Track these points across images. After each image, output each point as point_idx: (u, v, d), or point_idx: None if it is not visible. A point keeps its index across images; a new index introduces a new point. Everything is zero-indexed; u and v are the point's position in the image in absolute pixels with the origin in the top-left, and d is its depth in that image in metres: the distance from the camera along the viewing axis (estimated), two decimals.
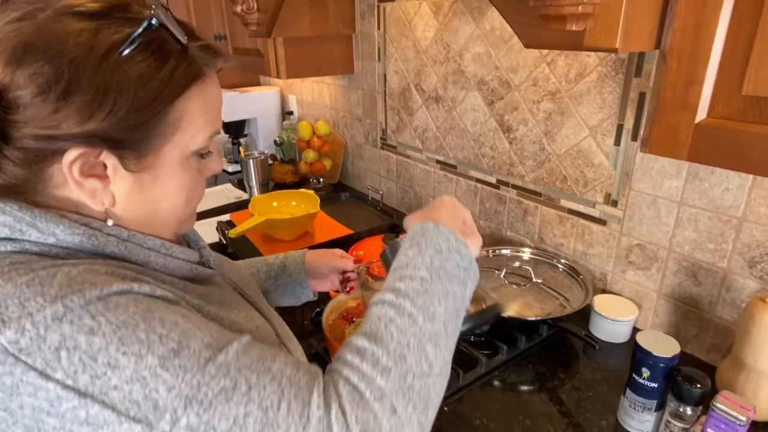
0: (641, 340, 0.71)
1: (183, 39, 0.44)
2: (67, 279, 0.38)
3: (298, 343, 0.63)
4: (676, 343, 0.71)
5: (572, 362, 0.91)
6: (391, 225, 1.42)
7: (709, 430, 0.63)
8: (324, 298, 0.94)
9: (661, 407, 0.72)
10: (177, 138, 0.46)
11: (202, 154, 0.50)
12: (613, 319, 0.94)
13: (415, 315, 0.46)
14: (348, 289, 0.87)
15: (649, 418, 0.73)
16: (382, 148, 1.61)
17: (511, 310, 0.95)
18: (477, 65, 1.18)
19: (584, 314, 0.96)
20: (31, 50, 0.38)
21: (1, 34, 0.38)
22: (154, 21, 0.42)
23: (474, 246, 0.56)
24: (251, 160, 1.65)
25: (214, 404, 0.36)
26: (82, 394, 0.35)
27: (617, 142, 0.94)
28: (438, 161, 1.39)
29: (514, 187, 1.18)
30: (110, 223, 0.46)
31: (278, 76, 1.45)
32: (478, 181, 1.28)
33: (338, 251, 0.90)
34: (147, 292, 0.41)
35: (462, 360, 0.88)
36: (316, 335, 0.96)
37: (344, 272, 0.86)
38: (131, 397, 0.35)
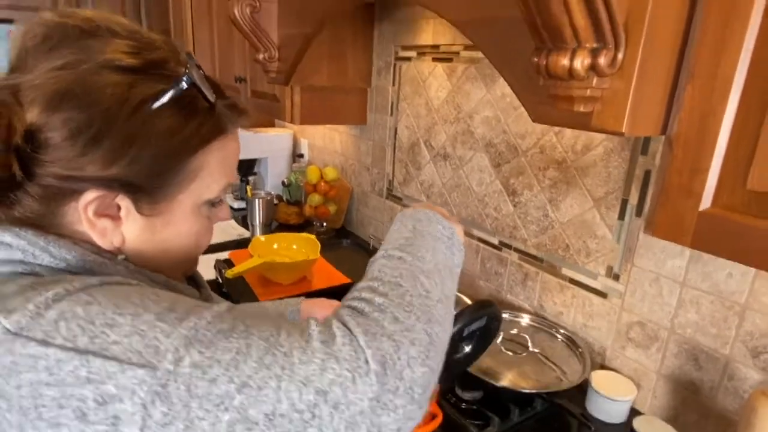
0: (639, 427, 0.68)
1: (211, 97, 0.46)
2: (68, 279, 0.39)
3: None
4: None
5: None
6: None
7: None
8: None
9: None
10: (193, 187, 0.47)
11: (213, 203, 0.52)
12: (611, 398, 0.91)
13: (404, 257, 0.48)
14: None
15: None
16: (387, 198, 1.62)
17: (505, 380, 0.92)
18: (486, 128, 1.20)
19: (581, 387, 0.93)
20: (69, 97, 0.40)
21: (43, 80, 0.40)
22: (185, 80, 0.44)
23: (455, 225, 0.56)
24: (257, 200, 1.67)
25: (215, 342, 0.36)
26: (82, 352, 0.35)
27: (621, 217, 0.94)
28: None
29: (516, 250, 1.18)
30: (121, 257, 0.47)
31: (292, 122, 1.49)
32: (480, 240, 1.27)
33: (335, 302, 0.89)
34: (144, 286, 0.42)
35: (451, 430, 0.85)
36: None
37: None
38: (131, 348, 0.35)
